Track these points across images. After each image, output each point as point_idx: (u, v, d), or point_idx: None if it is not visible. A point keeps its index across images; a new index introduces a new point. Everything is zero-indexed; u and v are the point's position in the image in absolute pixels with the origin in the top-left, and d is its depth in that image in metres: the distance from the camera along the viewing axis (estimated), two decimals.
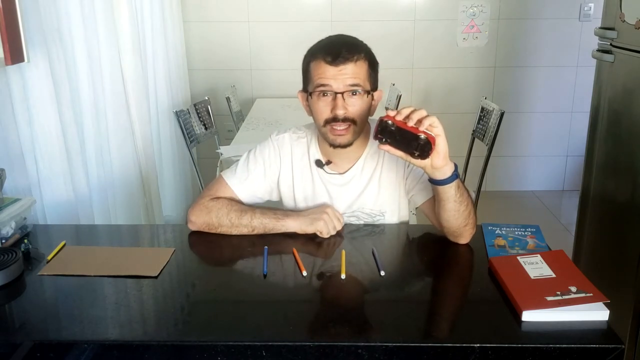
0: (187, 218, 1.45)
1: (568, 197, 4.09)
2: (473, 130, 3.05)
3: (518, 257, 1.22)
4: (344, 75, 1.34)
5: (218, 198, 1.46)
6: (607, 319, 1.03)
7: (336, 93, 1.35)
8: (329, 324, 1.07)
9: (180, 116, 2.80)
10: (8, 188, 1.63)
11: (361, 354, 0.98)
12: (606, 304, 1.05)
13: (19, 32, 1.52)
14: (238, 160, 1.54)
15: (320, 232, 1.39)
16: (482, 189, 2.93)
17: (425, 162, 1.22)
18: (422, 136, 1.17)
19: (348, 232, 1.45)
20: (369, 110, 1.41)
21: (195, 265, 1.39)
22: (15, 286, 1.19)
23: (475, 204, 2.72)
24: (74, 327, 1.05)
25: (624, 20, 2.01)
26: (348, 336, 1.03)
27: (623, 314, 1.95)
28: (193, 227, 1.44)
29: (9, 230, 1.39)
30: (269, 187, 1.52)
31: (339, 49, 1.35)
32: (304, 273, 1.22)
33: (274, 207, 1.47)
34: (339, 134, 1.38)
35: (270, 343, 0.99)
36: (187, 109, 2.96)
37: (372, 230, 1.48)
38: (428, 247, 1.43)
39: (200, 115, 3.08)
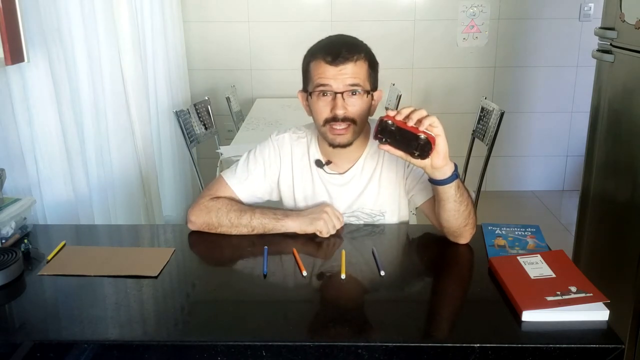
0: (187, 218, 1.45)
1: (568, 197, 4.09)
2: (473, 130, 3.05)
3: (518, 257, 1.22)
4: (343, 75, 1.34)
5: (218, 198, 1.46)
6: (607, 319, 1.03)
7: (336, 93, 1.35)
8: (329, 324, 1.07)
9: (180, 116, 2.80)
10: (8, 188, 1.63)
11: (361, 354, 0.98)
12: (606, 304, 1.05)
13: (19, 32, 1.52)
14: (238, 160, 1.54)
15: (320, 232, 1.39)
16: (482, 189, 2.93)
17: (425, 162, 1.22)
18: (422, 136, 1.17)
19: (348, 232, 1.46)
20: (369, 110, 1.41)
21: (195, 265, 1.39)
22: (15, 286, 1.19)
23: (475, 204, 2.72)
24: (74, 327, 1.05)
25: (624, 20, 2.01)
26: (348, 336, 1.03)
27: (623, 314, 1.95)
28: (193, 227, 1.44)
29: (9, 230, 1.39)
30: (268, 187, 1.52)
31: (339, 49, 1.35)
32: (304, 273, 1.22)
33: (273, 207, 1.47)
34: (338, 134, 1.38)
35: (270, 343, 0.99)
36: (187, 109, 2.96)
37: (372, 230, 1.48)
38: (428, 247, 1.43)
39: (200, 115, 3.08)
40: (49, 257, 1.30)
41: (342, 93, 1.35)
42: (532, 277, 1.14)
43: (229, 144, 2.75)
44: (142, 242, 1.55)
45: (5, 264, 1.19)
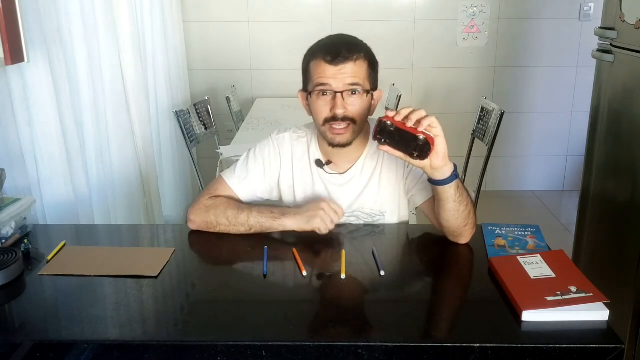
0: (187, 217, 1.45)
1: (568, 197, 4.09)
2: (473, 130, 3.05)
3: (518, 257, 1.22)
4: (343, 75, 1.34)
5: (217, 197, 1.46)
6: (607, 319, 1.03)
7: (336, 92, 1.35)
8: (329, 324, 1.07)
9: (180, 116, 2.81)
10: (8, 188, 1.63)
11: (361, 354, 0.98)
12: (606, 304, 1.05)
13: (19, 32, 1.52)
14: (238, 160, 1.54)
15: (319, 229, 1.37)
16: (482, 189, 2.93)
17: (425, 163, 1.22)
18: (421, 137, 1.17)
19: (348, 233, 1.46)
20: (369, 110, 1.41)
21: (195, 265, 1.39)
22: (15, 286, 1.19)
23: (475, 204, 2.72)
24: (74, 327, 1.05)
25: (624, 20, 2.01)
26: (348, 336, 1.03)
27: (623, 314, 1.95)
28: (193, 226, 1.44)
29: (9, 230, 1.39)
30: (268, 186, 1.52)
31: (338, 48, 1.35)
32: (304, 273, 1.22)
33: (271, 205, 1.47)
34: (338, 133, 1.38)
35: (270, 343, 0.99)
36: (187, 109, 2.96)
37: (372, 230, 1.48)
38: (428, 247, 1.43)
39: (200, 115, 3.08)
40: (49, 257, 1.30)
41: (341, 92, 1.35)
42: (532, 277, 1.14)
43: (229, 144, 2.75)
44: (142, 242, 1.55)
45: (5, 264, 1.19)
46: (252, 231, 1.41)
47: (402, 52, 3.93)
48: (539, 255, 1.22)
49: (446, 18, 3.87)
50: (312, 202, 1.41)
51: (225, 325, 1.08)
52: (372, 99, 1.41)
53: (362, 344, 0.98)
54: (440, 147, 1.20)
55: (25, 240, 1.35)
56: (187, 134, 2.84)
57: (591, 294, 1.06)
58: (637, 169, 1.94)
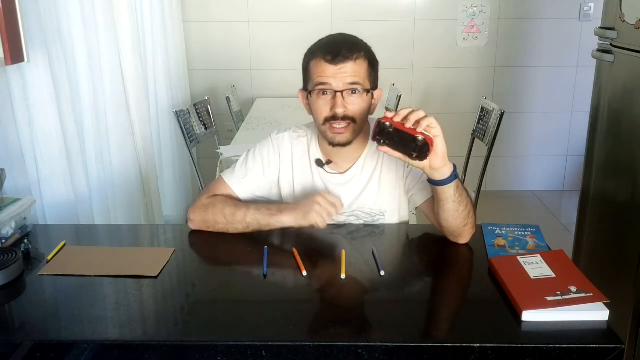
0: (187, 217, 1.45)
1: (568, 197, 4.09)
2: (473, 130, 3.05)
3: (518, 257, 1.22)
4: (343, 74, 1.34)
5: (215, 196, 1.46)
6: (607, 319, 1.03)
7: (336, 91, 1.35)
8: (329, 324, 1.07)
9: (180, 116, 2.81)
10: (8, 188, 1.63)
11: (361, 354, 0.98)
12: (606, 304, 1.05)
13: (19, 32, 1.52)
14: (238, 160, 1.55)
15: (316, 224, 1.34)
16: (482, 189, 2.93)
17: (424, 163, 1.22)
18: (420, 137, 1.17)
19: (348, 233, 1.46)
20: (369, 109, 1.41)
21: (195, 265, 1.39)
22: (15, 286, 1.19)
23: (475, 204, 2.72)
24: (74, 327, 1.05)
25: (624, 20, 2.01)
26: (348, 336, 1.03)
27: (623, 314, 1.95)
28: (192, 226, 1.44)
29: (9, 230, 1.39)
30: (268, 185, 1.52)
31: (339, 47, 1.35)
32: (304, 273, 1.22)
33: (269, 203, 1.47)
34: (338, 132, 1.38)
35: (270, 343, 0.99)
36: (187, 109, 2.96)
37: (372, 230, 1.48)
38: (428, 247, 1.43)
39: (200, 115, 3.08)
40: (49, 257, 1.30)
41: (342, 92, 1.35)
42: (532, 277, 1.14)
43: (229, 144, 2.75)
44: (142, 242, 1.55)
45: (5, 264, 1.19)
46: (250, 229, 1.40)
47: (402, 52, 3.93)
48: (539, 255, 1.22)
49: (446, 18, 3.87)
50: (308, 197, 1.39)
51: (225, 325, 1.08)
52: (373, 98, 1.41)
53: (362, 344, 0.98)
54: (439, 147, 1.20)
55: (25, 240, 1.35)
56: (187, 134, 2.84)
57: (591, 294, 1.06)
58: (637, 169, 1.94)
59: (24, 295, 1.19)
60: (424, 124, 1.18)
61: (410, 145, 1.19)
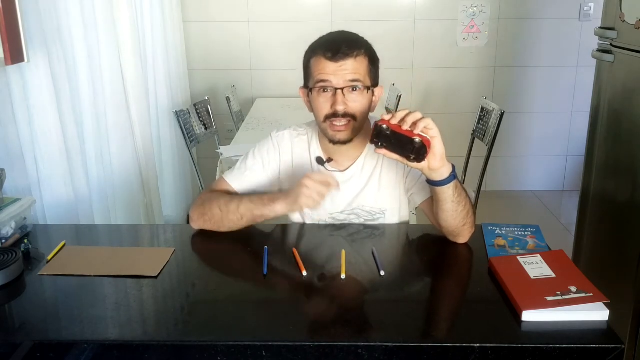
0: (188, 217, 1.46)
1: (568, 197, 4.09)
2: (473, 130, 3.05)
3: (518, 257, 1.22)
4: (344, 71, 1.34)
5: (213, 191, 1.47)
6: (607, 319, 1.03)
7: (336, 89, 1.35)
8: (329, 324, 1.07)
9: (180, 116, 2.81)
10: (8, 188, 1.63)
11: (361, 354, 0.98)
12: (606, 304, 1.05)
13: (19, 32, 1.52)
14: (238, 160, 1.55)
15: (307, 206, 1.33)
16: (482, 189, 2.93)
17: (423, 165, 1.21)
18: (417, 139, 1.17)
19: (348, 234, 1.45)
20: (370, 107, 1.41)
21: (195, 265, 1.39)
22: (15, 286, 1.19)
23: (475, 204, 2.73)
24: (74, 327, 1.05)
25: (624, 20, 2.01)
26: (348, 336, 1.03)
27: (623, 314, 1.95)
28: (193, 224, 1.44)
29: (9, 230, 1.39)
30: (268, 183, 1.52)
31: (339, 44, 1.35)
32: (304, 273, 1.22)
33: (262, 193, 1.46)
34: (338, 130, 1.38)
35: (270, 343, 0.99)
36: (187, 109, 2.96)
37: (372, 232, 1.48)
38: (428, 247, 1.43)
39: (200, 115, 3.08)
40: (49, 257, 1.30)
41: (342, 89, 1.35)
42: (532, 277, 1.14)
43: (229, 144, 2.75)
44: (142, 242, 1.55)
45: (5, 264, 1.19)
46: (244, 220, 1.39)
47: (402, 52, 3.93)
48: (539, 255, 1.22)
49: (446, 18, 3.87)
50: (297, 184, 1.35)
51: (225, 325, 1.07)
52: (373, 95, 1.41)
53: (362, 344, 0.98)
54: (437, 148, 1.20)
55: (25, 240, 1.35)
56: (187, 134, 2.84)
57: (591, 294, 1.06)
58: (637, 169, 1.94)
59: (24, 295, 1.19)
60: (421, 125, 1.18)
61: (408, 147, 1.19)
